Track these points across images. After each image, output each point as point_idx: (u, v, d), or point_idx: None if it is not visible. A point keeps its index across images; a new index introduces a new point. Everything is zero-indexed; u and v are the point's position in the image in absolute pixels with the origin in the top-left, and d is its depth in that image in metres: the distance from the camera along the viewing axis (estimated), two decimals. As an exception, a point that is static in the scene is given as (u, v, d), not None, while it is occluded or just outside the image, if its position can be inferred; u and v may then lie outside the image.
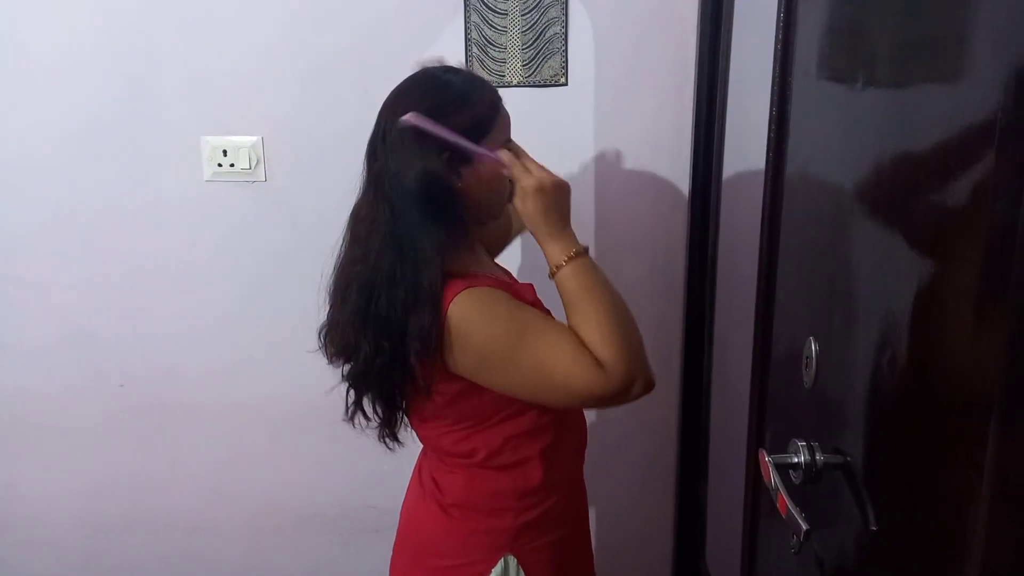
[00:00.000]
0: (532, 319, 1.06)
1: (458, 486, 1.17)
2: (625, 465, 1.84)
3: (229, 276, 1.74)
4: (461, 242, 1.08)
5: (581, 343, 1.03)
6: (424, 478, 1.22)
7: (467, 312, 1.03)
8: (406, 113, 1.03)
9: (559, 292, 1.09)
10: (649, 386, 1.06)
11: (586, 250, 1.09)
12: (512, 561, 1.16)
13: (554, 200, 1.07)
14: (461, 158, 1.05)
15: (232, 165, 1.66)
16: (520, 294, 1.11)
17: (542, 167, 1.09)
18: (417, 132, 1.02)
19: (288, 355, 1.76)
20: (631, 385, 1.03)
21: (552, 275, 1.09)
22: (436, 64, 1.12)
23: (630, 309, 1.09)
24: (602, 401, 1.06)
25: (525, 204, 1.07)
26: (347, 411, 1.14)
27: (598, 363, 1.02)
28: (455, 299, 1.03)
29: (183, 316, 1.77)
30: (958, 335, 0.64)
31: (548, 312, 1.14)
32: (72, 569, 1.94)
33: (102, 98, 1.64)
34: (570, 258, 1.07)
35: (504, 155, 1.08)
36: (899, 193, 0.75)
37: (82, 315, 1.77)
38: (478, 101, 1.08)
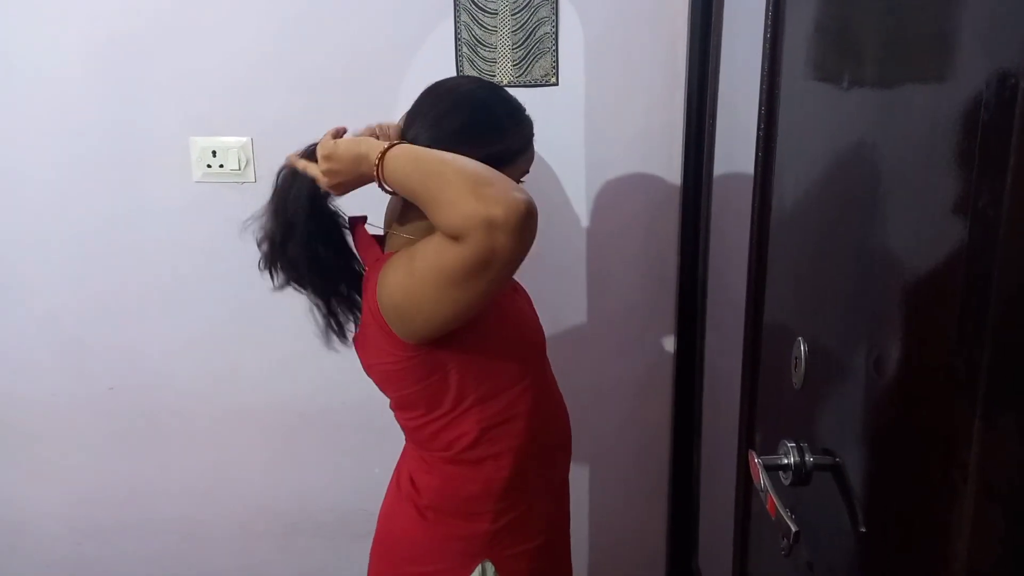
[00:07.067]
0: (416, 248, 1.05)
1: (434, 487, 1.16)
2: (618, 465, 1.83)
3: (219, 278, 1.74)
4: None
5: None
6: (402, 479, 1.21)
7: (382, 285, 1.07)
8: (445, 127, 1.08)
9: (402, 193, 1.04)
10: (511, 208, 0.91)
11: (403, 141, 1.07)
12: (490, 568, 1.15)
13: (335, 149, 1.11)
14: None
15: (221, 166, 1.65)
16: None
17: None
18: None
19: (278, 359, 1.76)
20: (492, 227, 0.91)
21: (382, 184, 1.04)
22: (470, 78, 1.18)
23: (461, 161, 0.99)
24: (494, 248, 0.93)
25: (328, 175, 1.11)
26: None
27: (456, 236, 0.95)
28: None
29: (172, 320, 1.76)
30: (943, 335, 0.64)
31: None
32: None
33: (90, 99, 1.63)
34: (383, 152, 1.02)
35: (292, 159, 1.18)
36: (884, 192, 0.75)
37: (70, 320, 1.76)
38: (514, 134, 1.13)
